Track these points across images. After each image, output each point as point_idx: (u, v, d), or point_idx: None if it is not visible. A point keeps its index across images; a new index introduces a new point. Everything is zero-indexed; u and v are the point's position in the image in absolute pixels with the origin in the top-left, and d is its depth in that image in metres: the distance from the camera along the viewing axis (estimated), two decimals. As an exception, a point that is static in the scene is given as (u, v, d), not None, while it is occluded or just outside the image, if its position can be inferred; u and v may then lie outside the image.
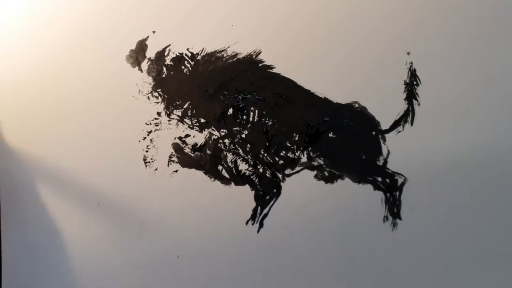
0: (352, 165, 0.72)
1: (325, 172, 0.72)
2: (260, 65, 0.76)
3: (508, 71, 0.73)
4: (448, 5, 0.74)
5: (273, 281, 0.69)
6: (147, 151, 0.74)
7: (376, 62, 0.74)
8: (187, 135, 0.75)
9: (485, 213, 0.69)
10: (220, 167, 0.73)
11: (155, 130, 0.75)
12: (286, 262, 0.69)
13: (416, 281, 0.68)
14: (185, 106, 0.76)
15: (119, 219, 0.77)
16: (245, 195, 0.72)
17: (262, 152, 0.73)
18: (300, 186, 0.72)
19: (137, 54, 0.78)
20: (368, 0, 0.75)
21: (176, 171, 0.74)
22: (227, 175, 0.72)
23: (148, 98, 0.77)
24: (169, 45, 0.78)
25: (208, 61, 0.77)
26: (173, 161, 0.74)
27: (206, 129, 0.75)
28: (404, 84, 0.74)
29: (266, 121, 0.74)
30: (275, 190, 0.72)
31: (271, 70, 0.76)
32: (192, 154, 0.73)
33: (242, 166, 0.73)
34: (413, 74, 0.74)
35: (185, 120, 0.75)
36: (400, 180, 0.71)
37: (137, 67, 0.78)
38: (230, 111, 0.75)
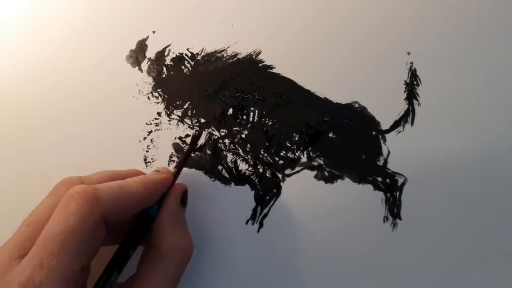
0: (352, 165, 0.72)
1: (325, 172, 0.72)
2: (260, 65, 0.76)
3: (508, 71, 0.73)
4: (448, 5, 0.74)
5: (273, 281, 0.69)
6: (147, 151, 0.74)
7: (376, 62, 0.74)
8: (187, 135, 0.75)
9: (486, 213, 0.69)
10: (220, 167, 0.73)
11: (155, 130, 0.75)
12: (286, 262, 0.69)
13: (416, 281, 0.68)
14: (185, 106, 0.76)
15: (119, 219, 0.77)
16: (245, 195, 0.71)
17: (262, 152, 0.73)
18: (300, 186, 0.71)
19: (137, 54, 0.78)
20: (368, 0, 0.75)
21: (176, 171, 0.74)
22: (227, 175, 0.72)
23: (148, 98, 0.77)
24: (169, 45, 0.78)
25: (208, 61, 0.77)
26: (173, 161, 0.74)
27: (206, 129, 0.75)
28: (405, 84, 0.74)
29: (266, 121, 0.74)
30: (275, 190, 0.71)
31: (271, 70, 0.76)
32: (192, 154, 0.73)
33: (242, 166, 0.73)
34: (413, 74, 0.74)
35: (185, 120, 0.75)
36: (400, 180, 0.71)
37: (137, 67, 0.78)
38: (230, 111, 0.75)
